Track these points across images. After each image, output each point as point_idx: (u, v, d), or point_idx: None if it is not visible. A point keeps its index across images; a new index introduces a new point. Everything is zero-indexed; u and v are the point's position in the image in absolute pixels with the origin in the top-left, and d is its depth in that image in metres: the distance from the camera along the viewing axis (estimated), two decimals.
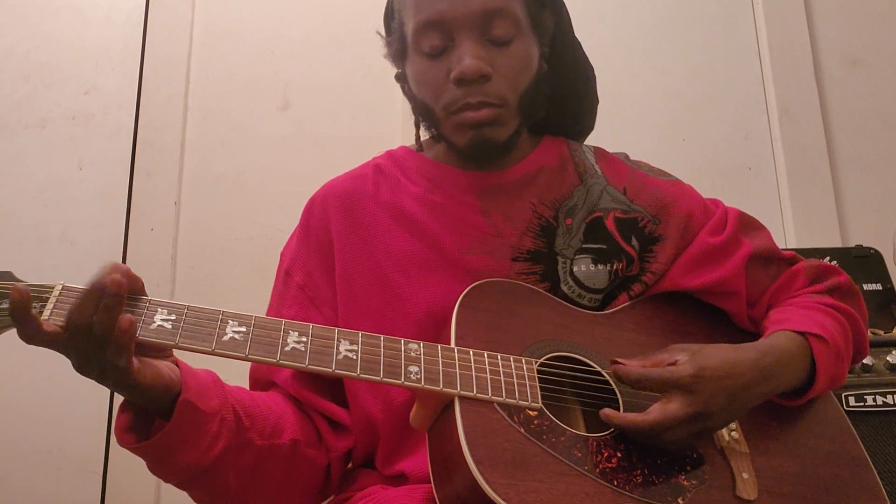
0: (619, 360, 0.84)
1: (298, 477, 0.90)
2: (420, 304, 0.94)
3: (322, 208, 1.03)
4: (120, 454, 1.64)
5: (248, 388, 0.94)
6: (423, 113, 0.99)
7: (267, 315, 1.00)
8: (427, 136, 1.04)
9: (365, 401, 0.93)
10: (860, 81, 1.94)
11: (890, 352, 1.35)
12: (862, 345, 0.99)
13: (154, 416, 0.79)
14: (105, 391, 1.67)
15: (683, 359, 0.82)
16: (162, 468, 0.79)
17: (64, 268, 1.74)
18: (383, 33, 1.04)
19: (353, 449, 0.97)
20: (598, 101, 1.13)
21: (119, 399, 0.77)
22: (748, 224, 1.05)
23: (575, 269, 0.97)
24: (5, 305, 0.69)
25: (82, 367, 0.71)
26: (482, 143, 0.94)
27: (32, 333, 0.68)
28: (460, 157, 1.00)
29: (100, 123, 1.86)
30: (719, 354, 0.84)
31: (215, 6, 1.95)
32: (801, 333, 0.91)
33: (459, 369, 0.79)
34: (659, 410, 0.79)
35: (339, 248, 0.99)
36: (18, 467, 1.64)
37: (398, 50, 0.99)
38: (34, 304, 0.69)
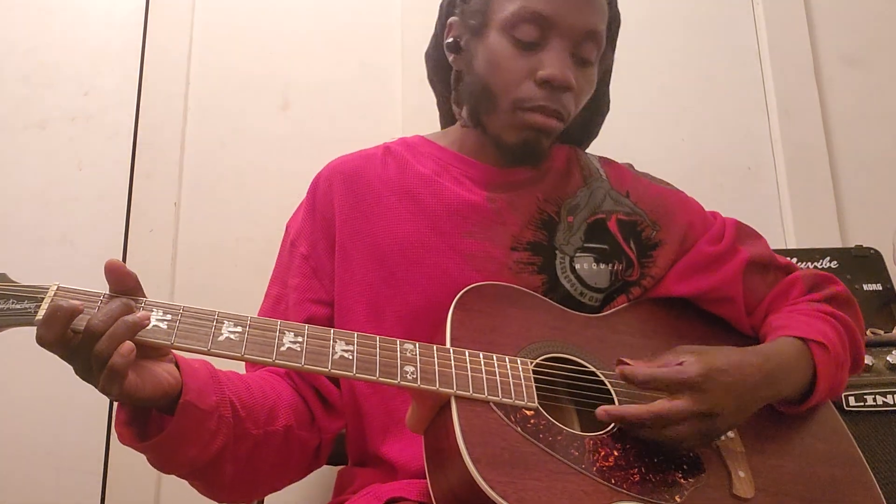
0: (624, 360, 0.84)
1: (290, 458, 0.93)
2: (415, 286, 0.95)
3: (328, 183, 1.05)
4: (120, 454, 1.64)
5: (240, 373, 0.94)
6: (479, 95, 0.98)
7: (270, 285, 1.04)
8: (448, 124, 1.07)
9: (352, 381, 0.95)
10: (860, 81, 1.94)
11: (890, 352, 1.35)
12: (859, 354, 0.99)
13: (151, 410, 0.79)
14: None
15: (691, 359, 0.82)
16: (163, 464, 0.80)
17: (63, 268, 1.73)
18: None
19: (346, 432, 1.00)
20: (608, 111, 1.15)
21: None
22: (745, 233, 1.06)
23: (577, 266, 0.98)
24: (1, 306, 0.69)
25: (84, 375, 0.72)
26: (533, 147, 0.96)
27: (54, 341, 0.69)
28: (499, 152, 1.00)
29: (100, 124, 1.86)
30: (726, 356, 0.84)
31: (215, 6, 1.95)
32: (803, 339, 0.91)
33: (455, 369, 0.79)
34: (663, 403, 0.79)
35: (339, 223, 1.01)
36: (18, 467, 1.64)
37: (478, 24, 0.98)
38: (29, 306, 0.69)
